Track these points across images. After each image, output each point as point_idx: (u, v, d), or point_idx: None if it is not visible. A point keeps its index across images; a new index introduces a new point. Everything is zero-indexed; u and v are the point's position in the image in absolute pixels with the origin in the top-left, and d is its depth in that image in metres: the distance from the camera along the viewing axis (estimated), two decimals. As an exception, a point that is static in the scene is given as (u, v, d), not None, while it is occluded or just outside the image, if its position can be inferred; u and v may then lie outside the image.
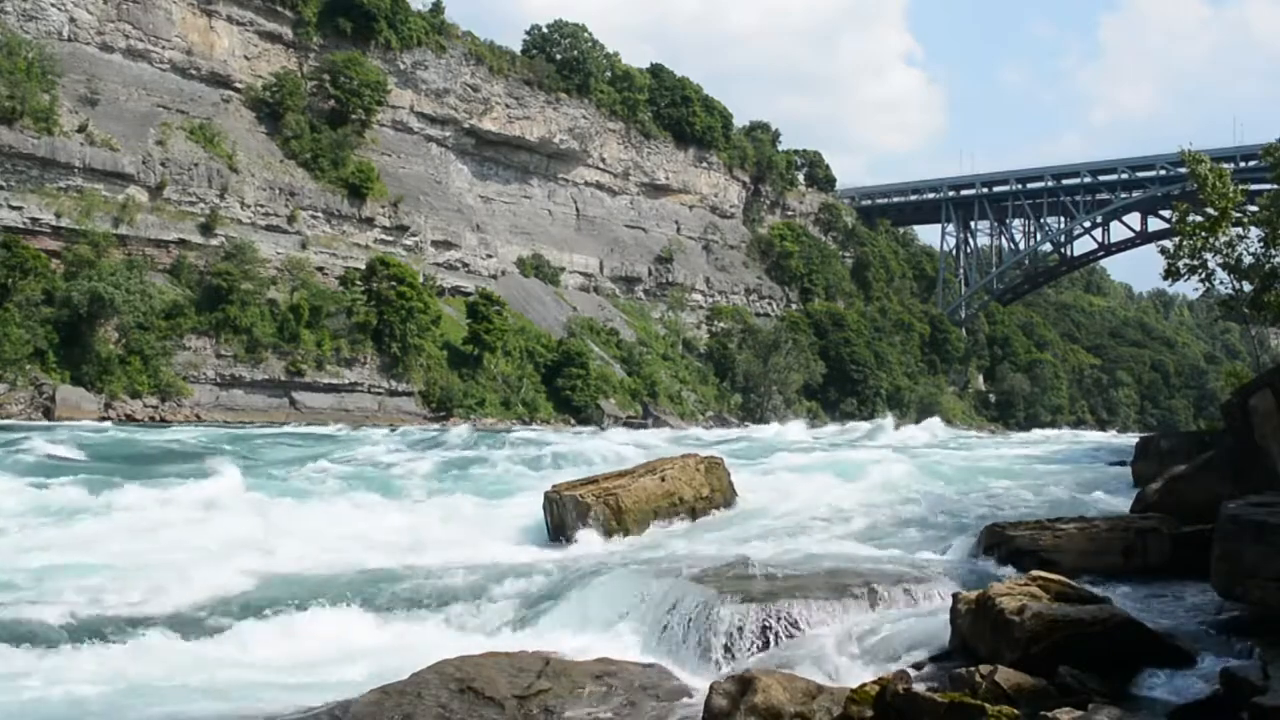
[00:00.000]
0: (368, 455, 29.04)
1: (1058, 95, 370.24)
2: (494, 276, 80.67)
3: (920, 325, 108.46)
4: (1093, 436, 66.39)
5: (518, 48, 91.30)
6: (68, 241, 54.07)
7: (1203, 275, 25.56)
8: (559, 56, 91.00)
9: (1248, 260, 25.16)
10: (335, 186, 69.69)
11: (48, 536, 14.69)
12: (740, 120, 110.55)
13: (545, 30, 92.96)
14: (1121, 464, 24.84)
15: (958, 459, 30.09)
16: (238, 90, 69.08)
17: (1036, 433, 71.58)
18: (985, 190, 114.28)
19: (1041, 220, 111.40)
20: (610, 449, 29.09)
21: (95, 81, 59.49)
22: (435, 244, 76.51)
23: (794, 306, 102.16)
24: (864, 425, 63.08)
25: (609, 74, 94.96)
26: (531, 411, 70.26)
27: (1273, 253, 24.81)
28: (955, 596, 8.34)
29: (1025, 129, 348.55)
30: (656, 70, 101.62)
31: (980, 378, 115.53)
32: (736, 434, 52.82)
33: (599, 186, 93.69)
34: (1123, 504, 15.01)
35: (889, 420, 65.15)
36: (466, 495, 20.25)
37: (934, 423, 62.25)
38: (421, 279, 69.58)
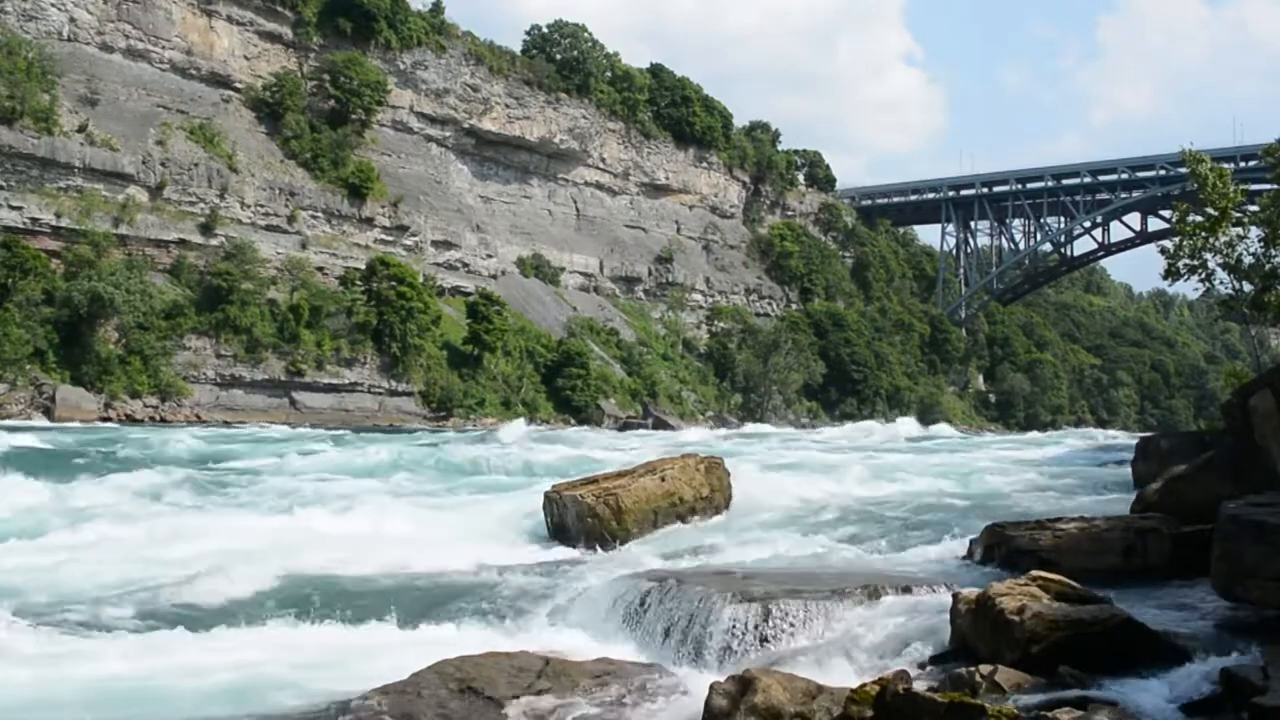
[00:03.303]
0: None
1: (1057, 95, 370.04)
2: (494, 276, 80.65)
3: (920, 325, 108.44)
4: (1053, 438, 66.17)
5: (518, 48, 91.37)
6: (68, 241, 54.04)
7: (1203, 275, 25.50)
8: (559, 56, 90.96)
9: (1248, 260, 25.10)
10: (335, 186, 69.66)
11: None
12: (740, 120, 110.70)
13: (545, 30, 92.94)
14: (1121, 464, 24.85)
15: (955, 460, 30.11)
16: (238, 90, 69.04)
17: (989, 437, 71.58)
18: (985, 190, 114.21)
19: (1041, 220, 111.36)
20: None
21: (95, 81, 59.45)
22: (435, 244, 76.50)
23: (794, 306, 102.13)
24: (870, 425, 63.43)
25: (609, 74, 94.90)
26: (531, 411, 70.20)
27: (1273, 253, 24.76)
28: (955, 596, 8.35)
29: (1025, 129, 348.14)
30: (656, 70, 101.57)
31: (980, 378, 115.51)
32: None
33: (599, 186, 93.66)
34: (1123, 504, 15.01)
35: (871, 424, 65.78)
36: (467, 494, 20.27)
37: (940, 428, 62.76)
38: (421, 279, 69.53)
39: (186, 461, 26.29)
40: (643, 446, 34.04)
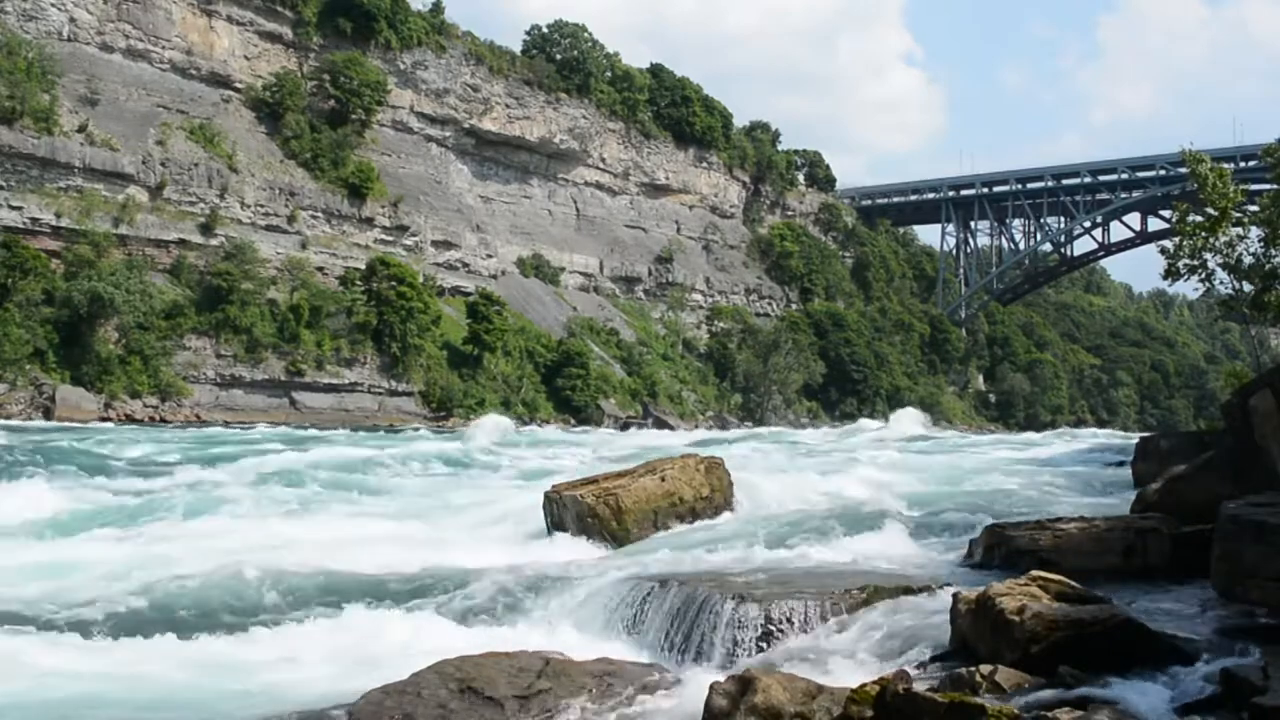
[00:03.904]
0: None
1: (1057, 95, 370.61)
2: (494, 276, 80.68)
3: (920, 325, 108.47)
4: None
5: (518, 48, 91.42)
6: (68, 241, 54.08)
7: (1203, 275, 25.55)
8: (559, 56, 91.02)
9: (1248, 260, 25.14)
10: (335, 186, 69.70)
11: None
12: (740, 120, 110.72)
13: (545, 30, 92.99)
14: (1121, 464, 24.86)
15: (952, 461, 30.10)
16: (238, 90, 69.08)
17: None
18: (985, 190, 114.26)
19: (1041, 220, 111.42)
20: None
21: (95, 81, 59.48)
22: (435, 244, 76.53)
23: (794, 306, 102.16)
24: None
25: (609, 74, 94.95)
26: (531, 411, 70.27)
27: (1273, 253, 24.79)
28: (955, 596, 8.34)
29: (1025, 129, 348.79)
30: (656, 70, 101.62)
31: (980, 378, 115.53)
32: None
33: (599, 186, 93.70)
34: (1123, 504, 15.01)
35: (866, 422, 65.31)
36: (466, 494, 20.25)
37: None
38: (421, 279, 69.58)
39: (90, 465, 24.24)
40: (590, 454, 31.92)
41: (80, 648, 9.61)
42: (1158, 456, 19.01)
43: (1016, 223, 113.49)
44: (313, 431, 42.81)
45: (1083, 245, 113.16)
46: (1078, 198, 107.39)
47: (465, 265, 79.13)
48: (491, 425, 43.02)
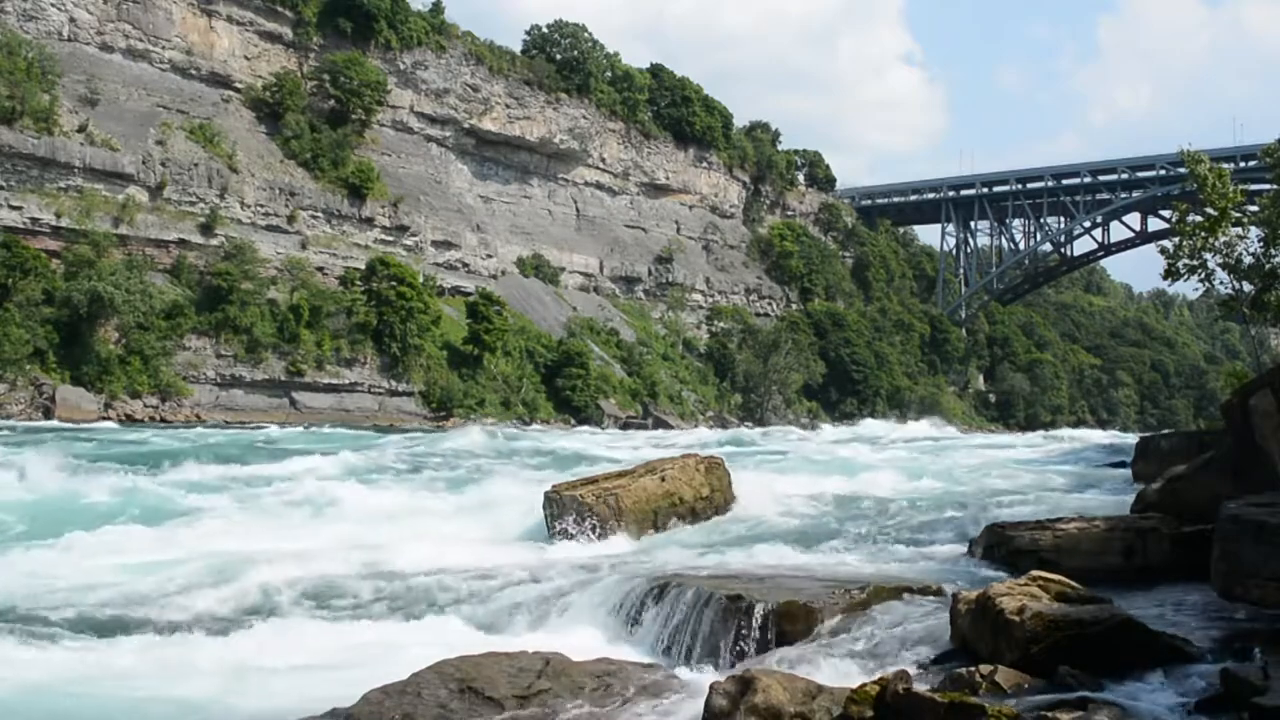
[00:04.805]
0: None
1: (1056, 95, 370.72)
2: (494, 276, 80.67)
3: (920, 325, 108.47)
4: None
5: (518, 48, 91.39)
6: (68, 241, 54.07)
7: (1203, 275, 25.56)
8: (559, 56, 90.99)
9: (1248, 260, 25.17)
10: (335, 186, 69.68)
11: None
12: (740, 120, 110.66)
13: (545, 30, 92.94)
14: (1121, 464, 24.89)
15: (952, 461, 30.09)
16: (238, 90, 69.07)
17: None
18: (985, 190, 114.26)
19: (1041, 220, 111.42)
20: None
21: (95, 81, 59.47)
22: (435, 244, 76.51)
23: (794, 306, 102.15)
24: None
25: (609, 74, 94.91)
26: (531, 411, 70.27)
27: (1273, 253, 24.82)
28: (955, 596, 8.33)
29: (1025, 129, 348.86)
30: (656, 70, 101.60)
31: (980, 378, 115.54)
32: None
33: (599, 186, 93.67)
34: (1123, 504, 15.01)
35: (873, 422, 65.01)
36: (466, 494, 20.23)
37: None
38: (421, 279, 69.57)
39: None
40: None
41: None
42: (1158, 456, 19.04)
43: (1016, 223, 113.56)
44: (288, 432, 41.76)
45: (1083, 245, 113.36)
46: (1078, 198, 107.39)
47: (465, 265, 79.12)
48: (475, 430, 42.42)
